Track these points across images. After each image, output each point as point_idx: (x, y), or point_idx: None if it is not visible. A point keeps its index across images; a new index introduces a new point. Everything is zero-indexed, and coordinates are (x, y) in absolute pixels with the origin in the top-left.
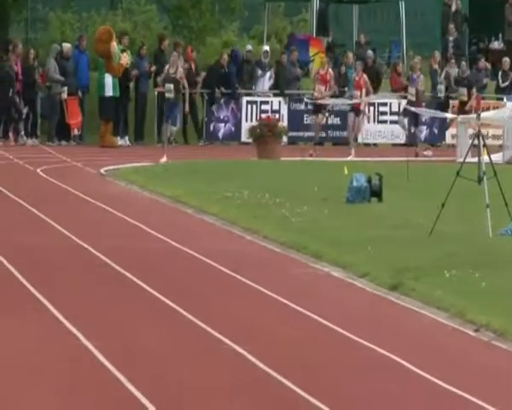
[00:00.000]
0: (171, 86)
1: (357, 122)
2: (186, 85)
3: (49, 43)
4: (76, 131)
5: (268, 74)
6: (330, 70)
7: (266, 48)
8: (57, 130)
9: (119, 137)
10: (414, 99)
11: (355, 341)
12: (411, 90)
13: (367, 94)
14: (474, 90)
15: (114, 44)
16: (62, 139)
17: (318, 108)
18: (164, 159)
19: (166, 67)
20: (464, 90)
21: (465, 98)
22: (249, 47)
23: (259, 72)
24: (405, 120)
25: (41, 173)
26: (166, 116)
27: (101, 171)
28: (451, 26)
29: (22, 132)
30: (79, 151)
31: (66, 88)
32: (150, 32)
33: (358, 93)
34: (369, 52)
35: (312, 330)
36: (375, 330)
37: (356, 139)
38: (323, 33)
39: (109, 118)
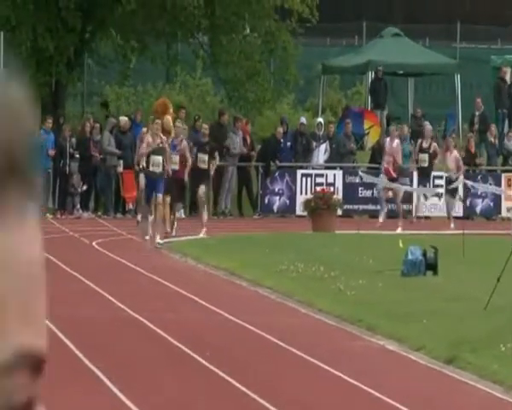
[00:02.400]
0: (160, 159)
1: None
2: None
3: (104, 117)
4: (131, 205)
5: (323, 147)
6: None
7: (320, 120)
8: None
9: None
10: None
11: None
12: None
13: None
14: None
15: (169, 117)
16: (118, 212)
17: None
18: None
19: (149, 138)
20: None
21: None
22: (303, 119)
23: (314, 144)
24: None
25: (96, 247)
26: (150, 193)
27: (157, 244)
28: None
29: (78, 206)
30: (134, 224)
31: (121, 161)
32: (205, 104)
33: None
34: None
35: (368, 404)
36: (430, 404)
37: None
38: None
39: (167, 191)
